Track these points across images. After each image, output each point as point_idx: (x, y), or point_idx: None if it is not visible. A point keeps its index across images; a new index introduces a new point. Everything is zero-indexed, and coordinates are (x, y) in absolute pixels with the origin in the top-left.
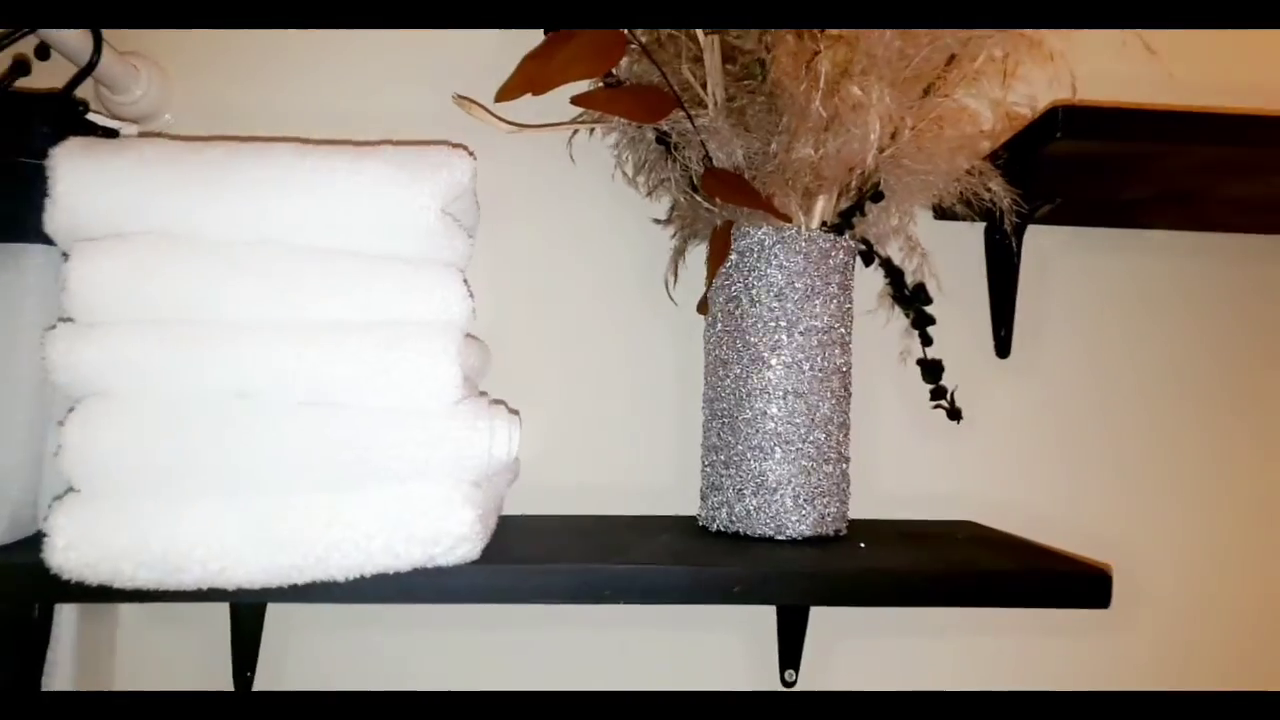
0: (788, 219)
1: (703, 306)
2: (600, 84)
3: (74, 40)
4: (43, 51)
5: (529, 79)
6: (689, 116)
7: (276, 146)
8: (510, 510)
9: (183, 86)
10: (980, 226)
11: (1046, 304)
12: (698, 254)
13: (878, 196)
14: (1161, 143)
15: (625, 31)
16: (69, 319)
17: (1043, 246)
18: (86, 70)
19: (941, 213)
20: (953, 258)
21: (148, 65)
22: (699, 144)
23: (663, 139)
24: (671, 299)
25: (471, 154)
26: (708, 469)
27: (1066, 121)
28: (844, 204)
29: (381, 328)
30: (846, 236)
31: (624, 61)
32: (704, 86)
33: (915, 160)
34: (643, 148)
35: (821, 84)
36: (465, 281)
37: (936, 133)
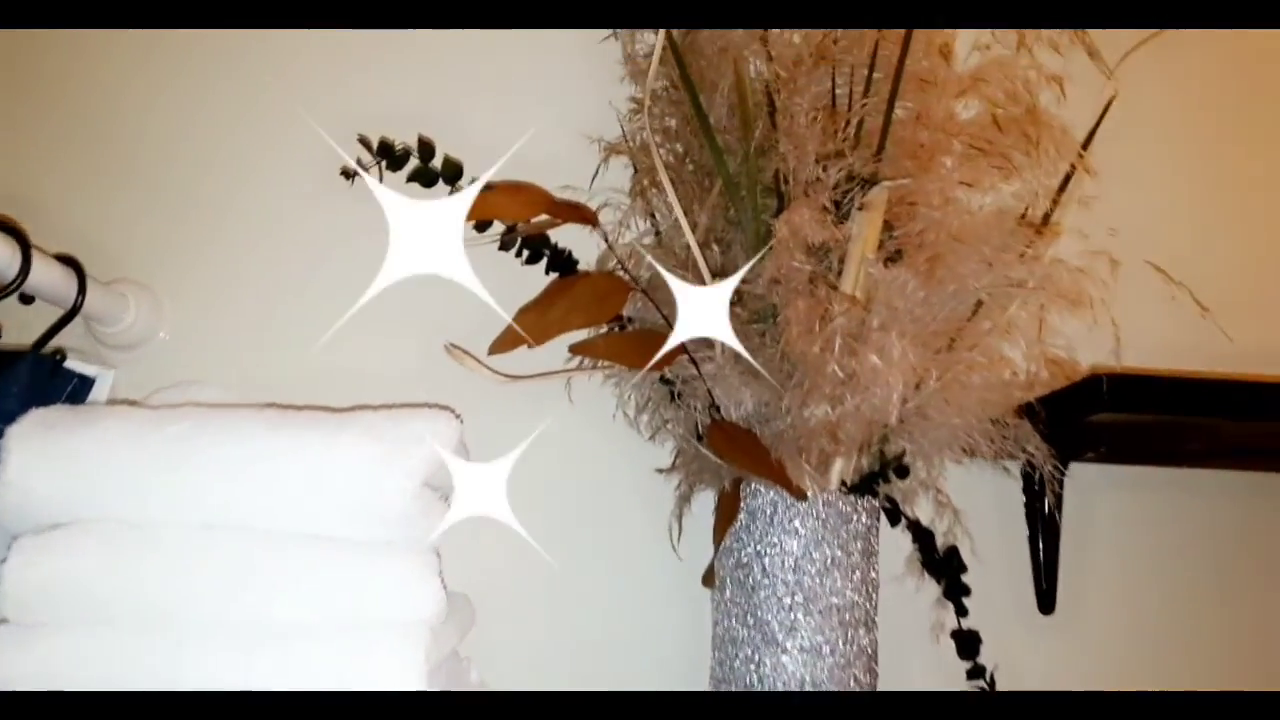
0: (802, 494)
1: (708, 579)
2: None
3: (58, 285)
4: (26, 298)
5: (525, 331)
6: (694, 362)
7: (247, 418)
8: None
9: (174, 306)
10: (1017, 463)
11: (1094, 550)
12: (705, 501)
13: (902, 471)
14: (1218, 417)
15: (626, 277)
16: (3, 620)
17: (1088, 481)
18: (69, 316)
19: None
20: (987, 499)
21: (136, 290)
22: (705, 391)
23: (667, 381)
24: (676, 553)
25: (458, 416)
26: None
27: (1112, 394)
28: (865, 458)
29: (345, 633)
30: (868, 498)
31: None
32: None
33: (942, 413)
34: (646, 386)
35: (836, 347)
36: (440, 571)
37: (965, 381)
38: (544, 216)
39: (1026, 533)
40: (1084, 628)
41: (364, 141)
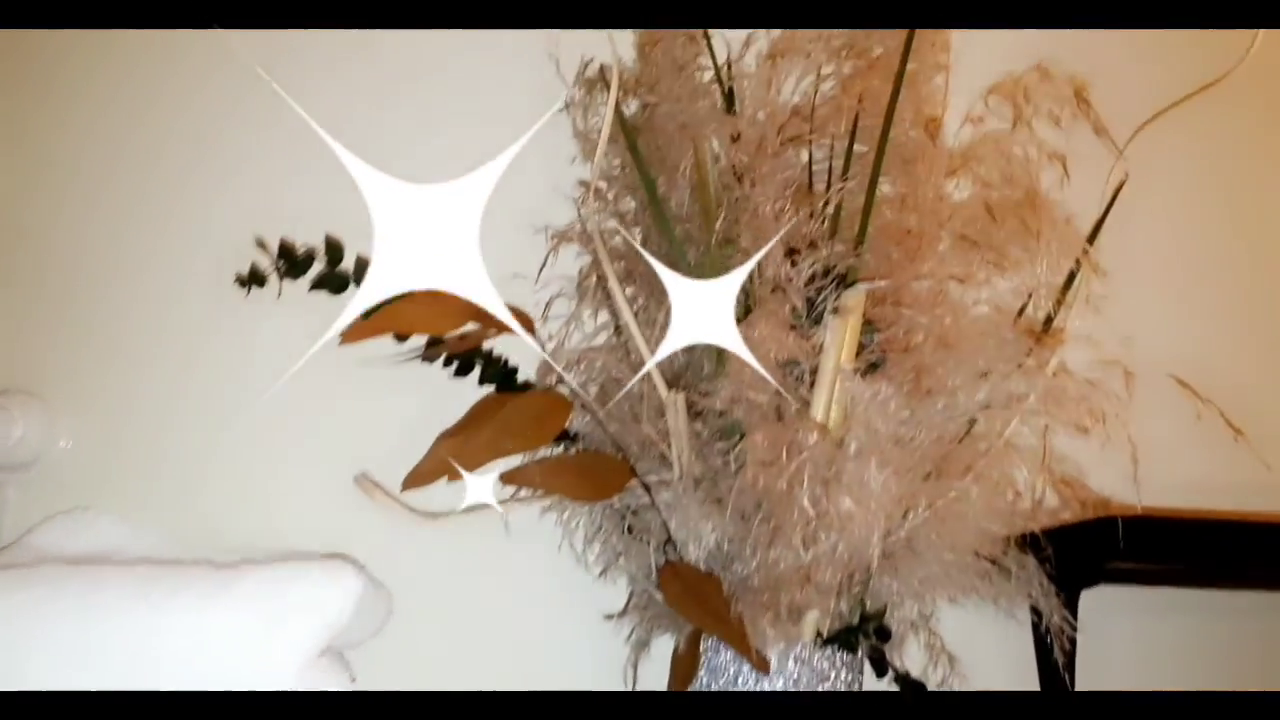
0: (764, 666)
1: None
2: None
3: None
4: None
5: (446, 460)
6: (647, 489)
7: (111, 582)
8: None
9: (73, 414)
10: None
11: (1113, 682)
12: (666, 644)
13: (883, 634)
14: (1255, 563)
15: (569, 396)
16: None
17: (1106, 604)
18: None
19: None
20: (988, 640)
21: (21, 401)
22: (660, 524)
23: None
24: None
25: (361, 567)
26: None
27: (1130, 541)
28: (845, 601)
29: None
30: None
31: None
32: (670, 445)
33: (932, 547)
34: (596, 514)
35: (806, 480)
36: None
37: (959, 510)
38: (471, 326)
39: (1035, 673)
40: None
41: (261, 244)
